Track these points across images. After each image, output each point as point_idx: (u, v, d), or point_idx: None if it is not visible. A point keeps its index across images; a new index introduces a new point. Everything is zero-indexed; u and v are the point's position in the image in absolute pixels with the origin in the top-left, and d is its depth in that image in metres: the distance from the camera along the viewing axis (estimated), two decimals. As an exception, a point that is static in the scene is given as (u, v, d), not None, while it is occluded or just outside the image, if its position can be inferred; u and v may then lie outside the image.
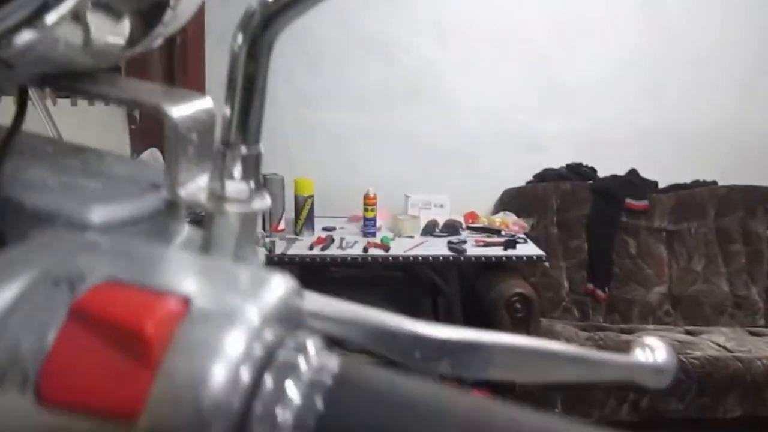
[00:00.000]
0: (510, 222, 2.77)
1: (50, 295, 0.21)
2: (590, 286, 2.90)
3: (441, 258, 2.44)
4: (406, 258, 2.43)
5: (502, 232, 2.67)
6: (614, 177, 3.06)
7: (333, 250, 2.46)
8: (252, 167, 0.29)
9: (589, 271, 2.92)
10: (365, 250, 2.45)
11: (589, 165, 3.11)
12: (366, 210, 2.64)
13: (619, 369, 0.36)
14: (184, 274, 0.23)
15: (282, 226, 2.65)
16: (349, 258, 2.41)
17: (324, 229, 2.71)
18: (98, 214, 0.27)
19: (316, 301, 0.31)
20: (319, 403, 0.20)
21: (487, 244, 2.54)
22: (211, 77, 3.00)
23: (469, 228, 2.76)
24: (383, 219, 2.75)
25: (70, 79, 0.31)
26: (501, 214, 2.90)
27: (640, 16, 3.08)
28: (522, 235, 2.69)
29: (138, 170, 0.32)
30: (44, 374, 0.19)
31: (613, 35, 3.09)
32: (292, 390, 0.20)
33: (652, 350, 0.36)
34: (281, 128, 3.06)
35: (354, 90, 3.07)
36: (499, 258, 2.46)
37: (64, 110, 2.25)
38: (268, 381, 0.20)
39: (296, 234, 2.63)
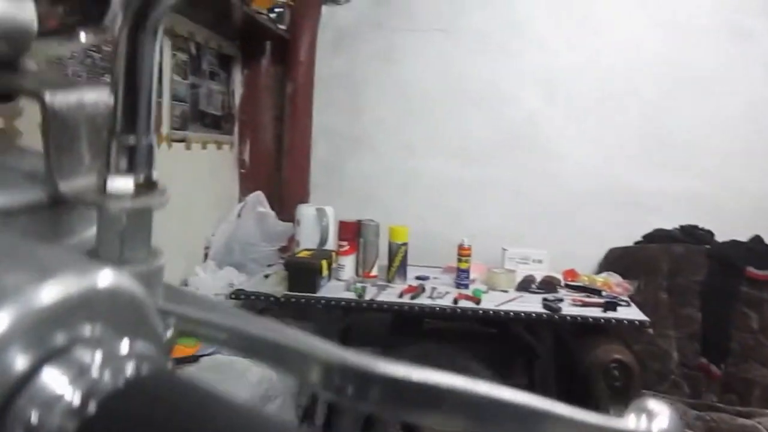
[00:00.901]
0: (613, 283, 2.60)
1: None
2: (703, 360, 2.64)
3: (534, 315, 2.32)
4: (496, 312, 2.34)
5: (603, 293, 2.51)
6: (734, 243, 2.81)
7: (423, 299, 2.42)
8: (141, 159, 0.27)
9: (703, 343, 2.67)
10: (455, 301, 2.38)
11: (706, 228, 2.88)
12: (460, 261, 2.58)
13: None
14: None
15: (374, 272, 2.65)
16: (437, 308, 2.36)
17: (417, 278, 2.67)
18: None
19: (191, 299, 0.28)
20: (91, 409, 0.18)
21: (585, 304, 2.40)
22: (318, 125, 3.10)
23: (567, 286, 2.62)
24: (478, 272, 2.67)
25: None
26: (604, 274, 2.74)
27: (760, 71, 2.88)
28: (625, 298, 2.51)
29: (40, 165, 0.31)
30: None
31: (728, 89, 2.90)
32: (67, 390, 0.18)
33: (651, 416, 0.28)
34: (381, 175, 3.10)
35: (456, 140, 3.06)
36: (596, 320, 2.31)
37: (178, 154, 2.41)
38: (45, 376, 0.18)
39: (388, 281, 2.61)
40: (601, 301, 2.40)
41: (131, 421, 0.18)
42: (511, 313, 2.33)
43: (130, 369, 0.19)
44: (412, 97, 3.07)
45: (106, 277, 0.20)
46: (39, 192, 0.28)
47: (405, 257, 2.62)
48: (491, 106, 3.03)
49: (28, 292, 0.18)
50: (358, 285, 2.47)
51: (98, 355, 0.19)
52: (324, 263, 2.46)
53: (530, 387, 2.85)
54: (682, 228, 2.90)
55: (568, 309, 2.35)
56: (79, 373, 0.18)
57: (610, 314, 2.32)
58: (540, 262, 2.71)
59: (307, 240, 2.73)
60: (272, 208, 2.93)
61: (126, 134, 0.26)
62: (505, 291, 2.55)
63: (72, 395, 0.18)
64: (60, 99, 0.28)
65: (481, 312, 2.35)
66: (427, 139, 3.08)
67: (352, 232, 2.64)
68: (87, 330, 0.19)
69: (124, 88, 0.26)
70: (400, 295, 2.43)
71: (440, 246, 2.84)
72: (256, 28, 2.72)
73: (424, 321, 2.83)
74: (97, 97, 0.30)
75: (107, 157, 0.27)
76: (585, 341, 2.44)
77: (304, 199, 3.07)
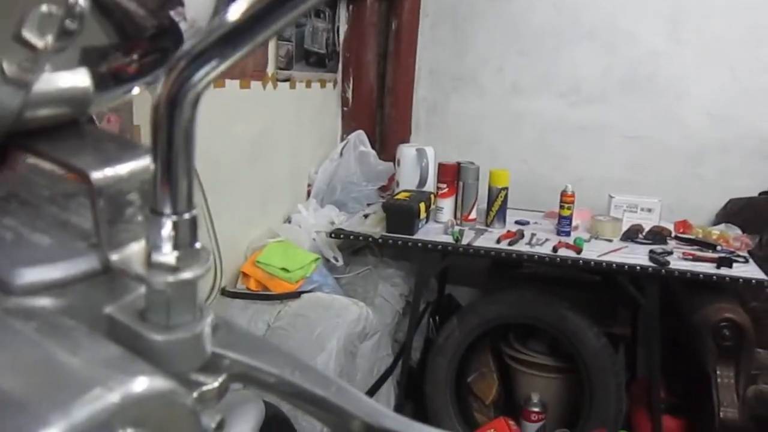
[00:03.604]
0: (731, 237, 2.42)
1: None
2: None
3: (638, 268, 2.22)
4: (598, 263, 2.26)
5: (718, 248, 2.35)
6: None
7: (521, 246, 2.37)
8: (184, 234, 0.28)
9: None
10: (555, 249, 2.32)
11: None
12: (562, 208, 2.49)
13: None
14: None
15: (473, 215, 2.62)
16: (536, 256, 2.31)
17: (517, 222, 2.62)
18: (23, 277, 0.27)
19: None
20: None
21: (696, 259, 2.26)
22: (421, 62, 3.04)
23: (677, 238, 2.48)
24: (582, 218, 2.58)
25: (27, 136, 0.32)
26: (722, 225, 2.56)
27: None
28: (743, 254, 2.34)
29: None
30: None
31: None
32: None
33: None
34: (484, 116, 3.02)
35: (565, 79, 2.91)
36: (708, 276, 2.17)
37: (283, 93, 2.45)
38: None
39: (487, 225, 2.58)
40: (715, 256, 2.25)
41: None
42: (614, 265, 2.24)
43: None
44: (520, 33, 2.92)
45: (140, 384, 0.23)
46: (94, 261, 0.30)
47: (504, 202, 2.57)
48: (606, 44, 2.84)
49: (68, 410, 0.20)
50: (456, 228, 2.45)
51: None
52: (422, 206, 2.46)
53: (633, 339, 2.76)
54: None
55: (676, 263, 2.22)
56: None
57: (724, 271, 2.17)
58: (650, 211, 2.56)
59: (407, 180, 2.73)
60: (374, 147, 2.94)
61: (168, 213, 0.27)
62: (609, 240, 2.46)
63: None
64: (107, 175, 0.30)
65: (581, 262, 2.27)
66: (534, 79, 2.95)
67: (452, 175, 2.61)
68: None
69: (162, 164, 0.27)
70: (498, 241, 2.39)
71: (543, 190, 2.76)
72: (361, -37, 2.66)
73: (522, 264, 2.79)
74: (138, 166, 0.31)
75: (149, 233, 0.28)
76: (695, 297, 2.31)
77: (405, 138, 3.05)
